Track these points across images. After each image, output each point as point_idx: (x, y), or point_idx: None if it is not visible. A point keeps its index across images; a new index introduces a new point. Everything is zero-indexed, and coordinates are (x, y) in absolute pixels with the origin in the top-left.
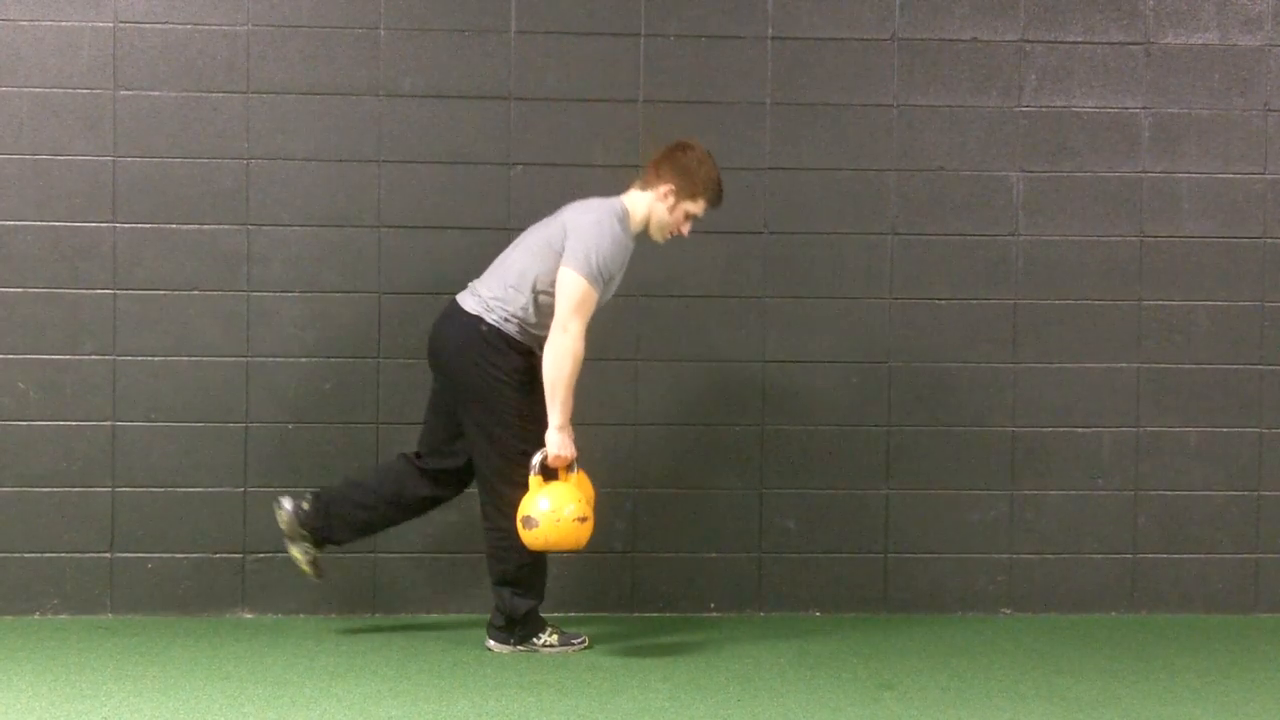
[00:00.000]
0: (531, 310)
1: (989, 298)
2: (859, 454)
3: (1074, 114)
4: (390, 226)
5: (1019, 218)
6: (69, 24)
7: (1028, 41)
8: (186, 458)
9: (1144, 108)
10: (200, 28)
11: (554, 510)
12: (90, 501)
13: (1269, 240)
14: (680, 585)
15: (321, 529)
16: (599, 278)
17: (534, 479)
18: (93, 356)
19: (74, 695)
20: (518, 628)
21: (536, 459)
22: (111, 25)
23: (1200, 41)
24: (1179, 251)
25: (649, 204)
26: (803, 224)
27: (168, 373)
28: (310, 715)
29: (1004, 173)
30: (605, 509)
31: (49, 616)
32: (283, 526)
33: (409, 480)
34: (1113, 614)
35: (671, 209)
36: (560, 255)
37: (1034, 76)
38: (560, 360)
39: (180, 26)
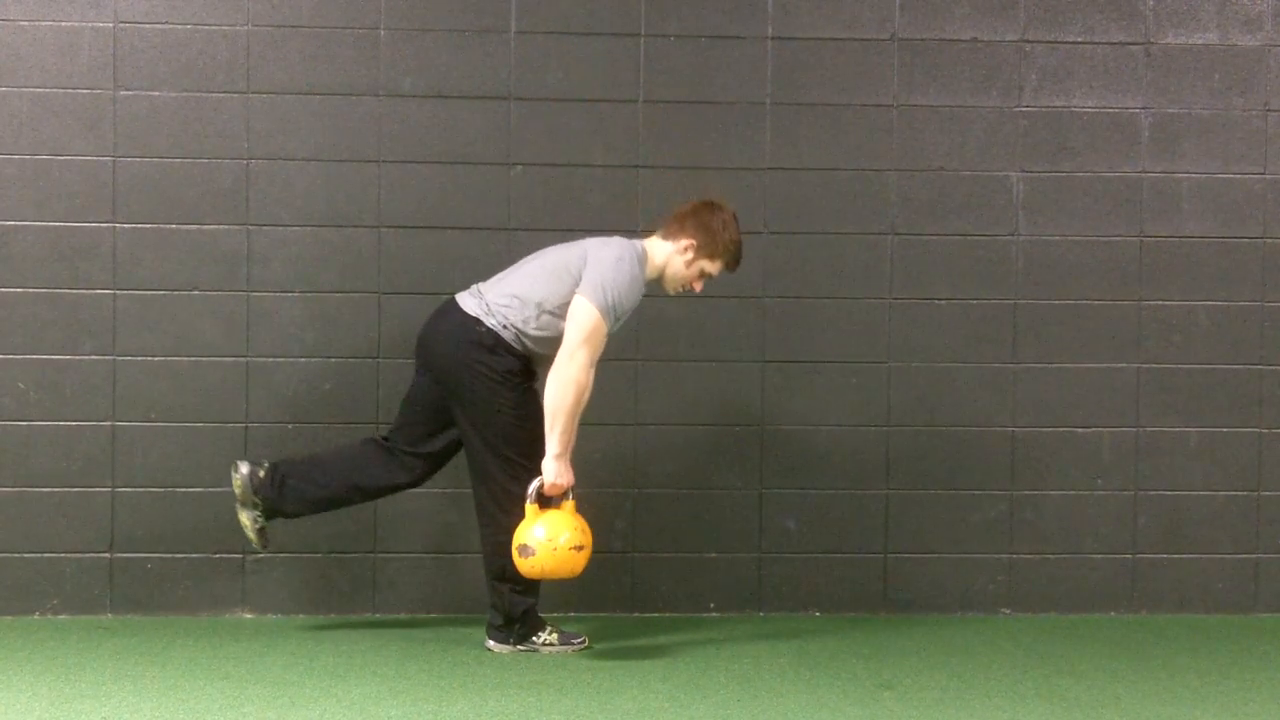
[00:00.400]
0: (532, 324)
1: (989, 298)
2: (859, 454)
3: (1074, 114)
4: (390, 226)
5: (1019, 218)
6: (69, 24)
7: (1028, 41)
8: (186, 458)
9: (1144, 108)
10: (200, 28)
11: (550, 539)
12: (90, 501)
13: (1269, 240)
14: (680, 585)
15: (274, 499)
16: (611, 312)
17: (530, 507)
18: (92, 356)
19: (74, 695)
20: (516, 626)
21: (533, 487)
22: (111, 25)
23: (1200, 41)
24: (1179, 251)
25: (668, 254)
26: (803, 224)
27: (167, 373)
28: (310, 715)
29: (1004, 173)
30: (605, 509)
31: (49, 616)
32: (236, 490)
33: (373, 465)
34: (1113, 614)
35: (689, 264)
36: (576, 281)
37: (1034, 76)
38: (564, 388)
39: (180, 26)
